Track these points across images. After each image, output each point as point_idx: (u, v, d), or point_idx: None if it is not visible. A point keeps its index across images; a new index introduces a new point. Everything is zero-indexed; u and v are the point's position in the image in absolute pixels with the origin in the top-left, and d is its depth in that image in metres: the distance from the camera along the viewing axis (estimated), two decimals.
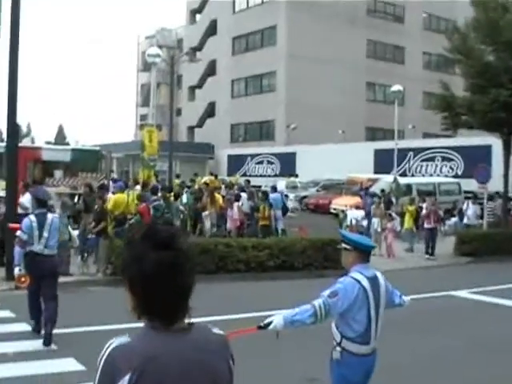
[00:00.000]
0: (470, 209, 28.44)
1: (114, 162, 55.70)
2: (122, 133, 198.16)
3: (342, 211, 29.57)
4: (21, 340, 10.11)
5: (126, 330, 2.42)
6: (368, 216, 24.63)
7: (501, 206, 27.85)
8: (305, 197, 40.56)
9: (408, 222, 24.79)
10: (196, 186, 28.79)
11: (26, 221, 10.66)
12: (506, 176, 26.45)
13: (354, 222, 26.04)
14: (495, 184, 27.23)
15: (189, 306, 2.34)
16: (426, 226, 23.43)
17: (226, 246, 17.56)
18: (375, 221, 23.62)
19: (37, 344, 9.90)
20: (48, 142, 71.67)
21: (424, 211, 24.22)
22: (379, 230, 23.22)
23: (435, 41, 56.14)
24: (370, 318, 5.32)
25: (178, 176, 37.42)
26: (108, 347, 2.26)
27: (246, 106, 61.36)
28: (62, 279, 14.94)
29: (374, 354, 5.48)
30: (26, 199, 17.39)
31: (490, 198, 28.92)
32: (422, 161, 42.07)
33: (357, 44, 59.38)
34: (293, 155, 51.76)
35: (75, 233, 16.72)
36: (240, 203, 22.93)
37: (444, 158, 40.67)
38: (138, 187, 23.21)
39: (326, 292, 5.30)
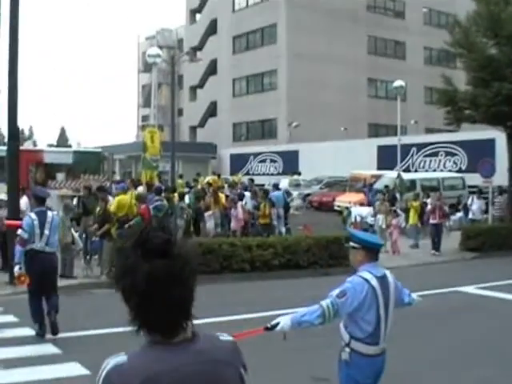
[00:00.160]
0: (475, 204, 28.27)
1: (116, 164, 55.74)
2: (123, 134, 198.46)
3: (346, 208, 29.47)
4: (24, 345, 10.00)
5: (130, 333, 2.28)
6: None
7: (505, 201, 27.70)
8: (308, 194, 40.46)
9: (413, 217, 24.65)
10: (199, 186, 28.69)
11: (26, 219, 10.76)
12: (510, 170, 26.31)
13: (358, 218, 25.94)
14: (499, 178, 27.08)
15: (191, 315, 2.18)
16: (431, 221, 23.26)
17: (231, 246, 17.45)
18: (380, 217, 23.48)
19: (41, 349, 9.81)
20: (50, 145, 71.75)
21: (429, 207, 24.07)
22: (384, 226, 23.08)
23: (436, 35, 56.02)
24: (380, 317, 5.20)
25: (181, 176, 37.38)
26: (104, 369, 2.12)
27: (248, 104, 61.26)
28: (65, 282, 14.95)
29: (384, 355, 5.35)
30: (22, 202, 17.31)
31: (501, 192, 28.79)
32: (426, 156, 41.93)
33: (357, 40, 59.27)
34: (295, 153, 51.67)
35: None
36: (243, 202, 22.82)
37: (447, 153, 40.52)
38: (140, 188, 23.10)
39: (335, 292, 5.18)
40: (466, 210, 29.08)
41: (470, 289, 15.77)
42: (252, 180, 30.28)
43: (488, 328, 11.71)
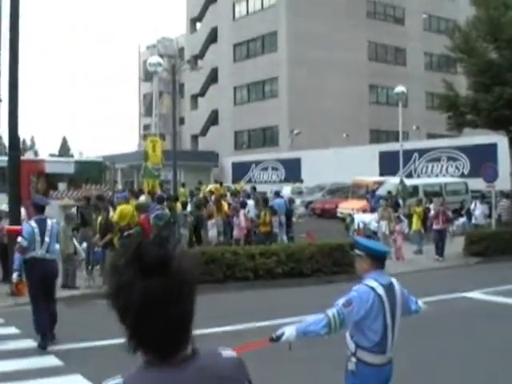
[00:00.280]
0: (478, 208, 28.17)
1: (118, 173, 55.70)
2: (125, 143, 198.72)
3: (349, 215, 29.39)
4: (26, 357, 9.91)
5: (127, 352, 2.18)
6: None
7: (510, 205, 27.63)
8: (311, 202, 40.33)
9: (416, 223, 24.55)
10: (201, 195, 28.62)
11: (27, 227, 10.93)
12: None
13: (361, 225, 25.86)
14: (502, 182, 26.99)
15: (191, 333, 2.05)
16: (434, 227, 23.19)
17: (234, 254, 17.36)
18: (383, 224, 23.38)
19: (43, 361, 9.72)
20: (52, 155, 71.72)
21: (432, 212, 24.00)
22: (387, 232, 22.98)
23: (436, 41, 56.07)
24: (386, 326, 5.10)
25: (183, 185, 37.32)
26: None
27: (249, 112, 61.25)
28: (68, 293, 14.87)
29: (391, 364, 5.25)
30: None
31: (507, 195, 28.71)
32: (428, 161, 41.85)
33: (358, 47, 59.27)
34: (297, 160, 51.59)
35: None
36: (246, 210, 22.73)
37: (449, 158, 40.43)
38: (142, 197, 23.04)
39: (341, 301, 5.08)
40: (469, 214, 28.98)
41: (476, 294, 15.67)
42: (254, 188, 30.20)
43: (496, 334, 11.57)
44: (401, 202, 28.70)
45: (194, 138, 71.83)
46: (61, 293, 14.62)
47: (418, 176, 41.06)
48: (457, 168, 39.85)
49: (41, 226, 10.82)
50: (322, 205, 39.44)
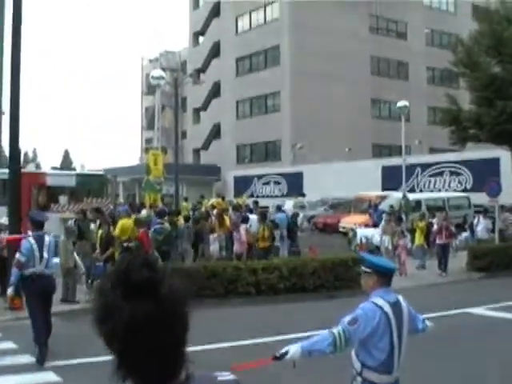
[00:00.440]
0: (481, 223, 28.00)
1: (120, 187, 55.60)
2: (127, 157, 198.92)
3: (352, 230, 29.23)
4: (24, 373, 9.76)
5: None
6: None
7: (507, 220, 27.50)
8: (313, 216, 40.19)
9: (419, 238, 24.37)
10: (203, 209, 28.47)
11: (25, 243, 10.98)
12: None
13: (363, 240, 25.71)
14: (505, 197, 26.85)
15: (184, 358, 1.87)
16: (437, 241, 23.02)
17: (235, 269, 17.20)
18: (386, 238, 23.23)
19: (41, 377, 9.57)
20: (54, 168, 71.71)
21: (435, 227, 23.83)
22: (390, 247, 22.82)
23: (438, 56, 56.21)
24: (393, 345, 4.96)
25: (186, 199, 37.18)
26: None
27: (251, 126, 61.22)
28: (67, 307, 14.72)
29: None
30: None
31: (509, 209, 28.58)
32: (430, 176, 41.76)
33: (360, 61, 59.30)
34: (300, 175, 51.52)
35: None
36: (248, 225, 22.51)
37: (452, 173, 40.34)
38: (144, 211, 22.93)
39: (346, 319, 4.94)
40: (473, 229, 28.81)
41: (481, 310, 15.47)
42: (256, 202, 30.06)
43: (501, 351, 11.37)
44: (403, 216, 28.55)
45: (196, 151, 71.79)
46: (61, 307, 14.50)
47: (421, 190, 40.95)
48: (459, 182, 39.75)
49: (39, 241, 10.90)
50: (324, 219, 39.34)
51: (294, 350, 4.84)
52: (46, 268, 10.92)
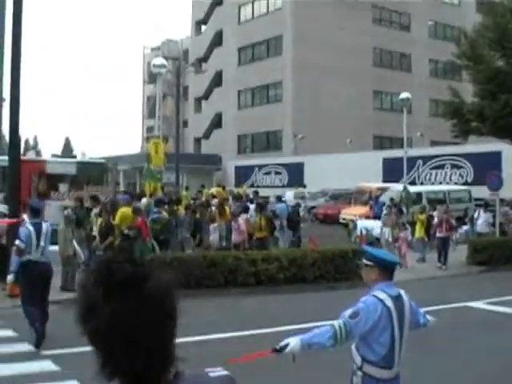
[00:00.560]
0: (481, 217, 27.92)
1: (120, 175, 55.53)
2: (129, 145, 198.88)
3: (352, 221, 29.19)
4: (22, 361, 9.73)
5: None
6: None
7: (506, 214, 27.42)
8: (313, 207, 40.15)
9: (419, 231, 24.31)
10: (203, 198, 28.41)
11: (24, 230, 11.17)
12: None
13: (364, 231, 25.65)
14: (506, 191, 26.78)
15: (171, 357, 1.78)
16: (438, 234, 22.96)
17: (235, 259, 17.16)
18: (386, 230, 23.18)
19: (39, 365, 9.53)
20: (55, 155, 71.65)
21: (436, 220, 23.76)
22: (390, 239, 22.77)
23: (441, 48, 56.05)
24: (394, 339, 4.91)
25: (186, 188, 37.14)
26: None
27: (253, 116, 61.09)
28: (66, 295, 14.67)
29: (398, 379, 5.05)
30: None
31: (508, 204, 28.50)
32: (432, 169, 41.70)
33: (363, 52, 59.12)
34: (301, 165, 51.46)
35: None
36: (249, 215, 22.42)
37: (453, 166, 40.27)
38: (144, 200, 22.87)
39: (347, 312, 4.88)
40: (473, 223, 28.75)
41: (480, 304, 15.41)
42: (256, 192, 30.00)
43: (501, 346, 11.30)
44: (404, 209, 28.49)
45: (197, 141, 71.68)
46: (60, 295, 14.46)
47: (422, 183, 40.89)
48: (460, 175, 39.70)
49: (37, 229, 11.07)
50: (325, 210, 39.31)
51: (293, 342, 4.79)
52: (42, 255, 11.09)
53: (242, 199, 26.68)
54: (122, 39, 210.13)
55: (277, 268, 17.35)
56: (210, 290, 16.05)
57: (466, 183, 38.14)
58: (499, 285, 18.51)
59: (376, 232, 24.74)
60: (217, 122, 67.12)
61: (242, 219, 21.52)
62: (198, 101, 71.32)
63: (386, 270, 5.04)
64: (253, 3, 62.88)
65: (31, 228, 11.06)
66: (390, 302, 4.90)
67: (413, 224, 25.11)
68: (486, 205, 28.10)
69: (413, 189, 33.41)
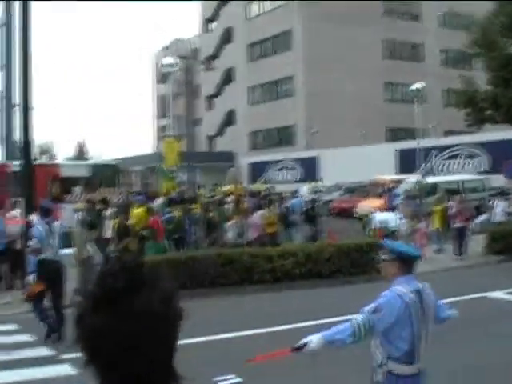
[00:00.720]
0: (499, 206, 27.65)
1: (134, 175, 55.58)
2: (142, 145, 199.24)
3: (367, 214, 28.98)
4: (40, 366, 9.68)
5: None
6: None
7: None
8: (328, 201, 39.94)
9: (436, 222, 24.11)
10: (217, 196, 28.32)
11: (37, 230, 11.40)
12: None
13: (379, 224, 25.44)
14: None
15: (167, 373, 1.62)
16: (454, 225, 22.75)
17: (251, 257, 17.06)
18: (403, 222, 22.96)
19: (57, 370, 9.49)
20: (69, 159, 71.90)
21: (452, 210, 23.53)
22: (408, 231, 22.54)
23: (452, 37, 55.67)
24: (416, 335, 4.78)
25: (199, 187, 37.12)
26: None
27: (265, 112, 61.00)
28: None
29: (421, 375, 4.92)
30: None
31: None
32: (446, 159, 41.39)
33: (374, 44, 58.87)
34: (314, 160, 51.32)
35: None
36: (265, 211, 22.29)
37: (468, 155, 39.94)
38: (159, 200, 22.84)
39: (368, 308, 4.77)
40: (490, 212, 28.49)
41: (500, 294, 15.23)
42: (271, 188, 29.89)
43: None
44: (419, 200, 28.29)
45: (210, 138, 71.64)
46: (76, 298, 14.40)
47: (436, 174, 40.59)
48: (476, 165, 39.37)
49: (48, 228, 11.33)
50: (340, 204, 39.06)
51: (313, 340, 4.70)
52: (53, 254, 11.34)
53: (258, 195, 26.54)
54: (132, 40, 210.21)
55: (292, 263, 17.23)
56: (225, 288, 15.96)
57: (481, 172, 37.83)
58: None
59: (392, 224, 24.54)
60: (229, 120, 67.05)
61: (257, 215, 21.45)
62: (210, 99, 71.27)
63: (407, 263, 4.91)
64: None
65: (42, 228, 11.28)
66: (411, 297, 4.77)
67: (429, 215, 24.92)
68: (503, 193, 27.84)
69: (428, 180, 33.19)
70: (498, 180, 28.49)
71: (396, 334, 4.76)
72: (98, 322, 1.54)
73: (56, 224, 11.69)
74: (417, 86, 32.86)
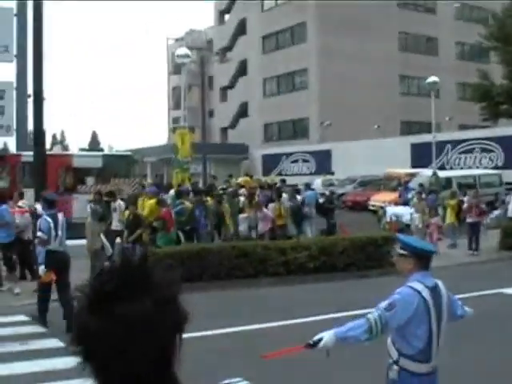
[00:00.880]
0: None
1: (147, 167, 55.65)
2: (155, 137, 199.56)
3: (381, 208, 28.89)
4: (52, 357, 9.64)
5: None
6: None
7: None
8: (342, 194, 39.83)
9: (450, 216, 23.95)
10: (230, 188, 28.23)
11: (43, 222, 11.54)
12: None
13: (393, 218, 25.35)
14: None
15: (169, 377, 1.56)
16: (468, 220, 22.59)
17: (265, 249, 17.00)
18: (416, 216, 22.84)
19: (70, 361, 9.40)
20: (82, 149, 72.12)
21: (466, 205, 23.37)
22: (420, 226, 22.43)
23: (468, 30, 55.26)
24: (431, 332, 4.69)
25: (214, 177, 36.98)
26: None
27: (279, 104, 60.82)
28: None
29: (436, 373, 4.84)
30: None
31: None
32: (461, 153, 41.12)
33: (389, 37, 58.53)
34: (328, 152, 51.15)
35: None
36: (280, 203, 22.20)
37: (483, 149, 39.65)
38: (172, 192, 22.80)
39: (383, 304, 4.68)
40: (504, 207, 28.30)
41: None
42: (283, 180, 29.79)
43: None
44: (433, 194, 28.11)
45: (224, 130, 71.59)
46: (76, 293, 14.39)
47: (451, 168, 40.38)
48: (491, 159, 39.11)
49: (53, 220, 11.49)
50: (354, 197, 38.98)
51: (327, 337, 4.62)
52: (60, 245, 11.59)
53: (272, 188, 26.38)
54: (146, 30, 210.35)
55: (306, 257, 17.15)
56: (240, 280, 15.94)
57: (496, 167, 37.57)
58: None
59: (406, 218, 24.43)
60: (243, 111, 66.92)
61: (269, 208, 21.38)
62: (224, 90, 71.15)
63: (422, 259, 4.81)
64: None
65: (49, 219, 11.43)
66: (426, 293, 4.68)
67: (443, 209, 24.77)
68: None
69: (442, 174, 33.01)
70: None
71: (411, 332, 4.68)
72: (92, 323, 1.49)
73: (60, 216, 11.84)
74: (432, 79, 32.57)
